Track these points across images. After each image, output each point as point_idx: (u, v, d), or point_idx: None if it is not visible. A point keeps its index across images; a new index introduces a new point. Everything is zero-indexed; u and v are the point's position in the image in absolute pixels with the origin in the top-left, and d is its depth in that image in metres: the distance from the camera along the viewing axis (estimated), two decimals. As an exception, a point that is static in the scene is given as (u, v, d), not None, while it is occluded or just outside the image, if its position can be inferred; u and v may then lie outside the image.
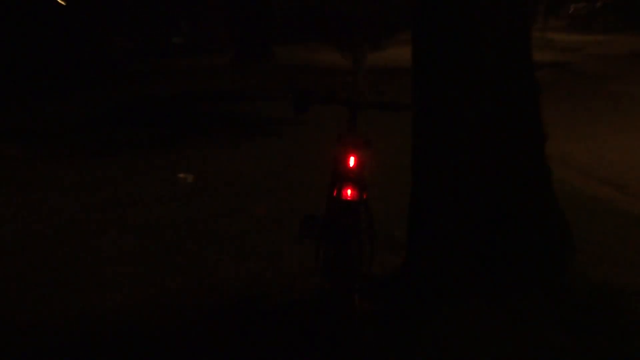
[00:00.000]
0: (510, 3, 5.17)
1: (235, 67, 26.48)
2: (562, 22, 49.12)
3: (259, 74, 22.78)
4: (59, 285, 5.73)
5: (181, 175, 9.31)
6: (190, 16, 34.95)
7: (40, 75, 19.76)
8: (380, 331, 4.64)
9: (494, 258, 5.11)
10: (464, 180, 5.16)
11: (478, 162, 5.14)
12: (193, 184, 9.02)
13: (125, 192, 8.68)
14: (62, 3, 24.00)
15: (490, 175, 5.14)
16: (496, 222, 5.14)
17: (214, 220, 7.33)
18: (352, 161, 4.60)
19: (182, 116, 15.20)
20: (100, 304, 5.31)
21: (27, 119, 14.28)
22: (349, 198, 4.56)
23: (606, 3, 47.08)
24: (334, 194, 4.61)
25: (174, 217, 7.49)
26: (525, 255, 5.17)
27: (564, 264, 5.28)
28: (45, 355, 4.61)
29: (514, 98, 5.19)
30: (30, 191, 9.02)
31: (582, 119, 12.85)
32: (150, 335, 4.82)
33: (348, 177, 4.60)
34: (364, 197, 4.65)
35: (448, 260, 5.17)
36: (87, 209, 7.99)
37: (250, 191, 8.53)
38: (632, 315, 4.79)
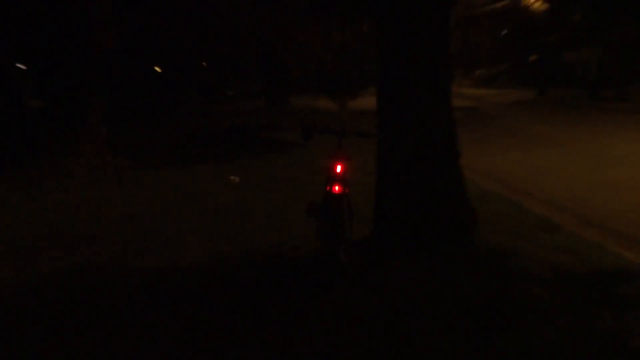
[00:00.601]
0: (438, 72, 5.18)
1: (265, 110, 26.61)
2: (471, 81, 49.08)
3: (280, 114, 22.94)
4: (156, 243, 5.78)
5: (230, 177, 9.32)
6: (237, 77, 34.98)
7: (145, 113, 19.79)
8: (356, 274, 4.63)
9: (426, 227, 5.13)
10: (408, 179, 5.17)
11: (416, 168, 5.15)
12: (238, 183, 9.03)
13: (195, 188, 8.68)
14: (158, 70, 23.96)
15: (423, 176, 5.16)
16: (427, 204, 5.15)
17: (250, 205, 7.33)
18: (338, 168, 4.64)
19: (232, 140, 15.30)
20: (181, 259, 5.32)
21: (135, 141, 14.27)
22: (336, 192, 4.59)
23: (498, 71, 47.06)
24: (327, 189, 4.63)
25: (225, 204, 7.49)
26: (446, 225, 5.17)
27: (471, 231, 5.28)
28: (150, 291, 4.60)
29: (440, 129, 5.19)
30: (136, 187, 9.04)
31: (482, 142, 12.90)
32: (213, 276, 4.82)
33: (336, 178, 4.62)
34: (347, 191, 4.69)
35: (397, 229, 5.20)
36: (172, 198, 8.02)
37: (273, 187, 8.56)
38: (513, 264, 4.79)
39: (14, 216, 7.28)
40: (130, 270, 5.08)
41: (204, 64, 27.79)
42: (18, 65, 20.55)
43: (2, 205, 7.93)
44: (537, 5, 34.02)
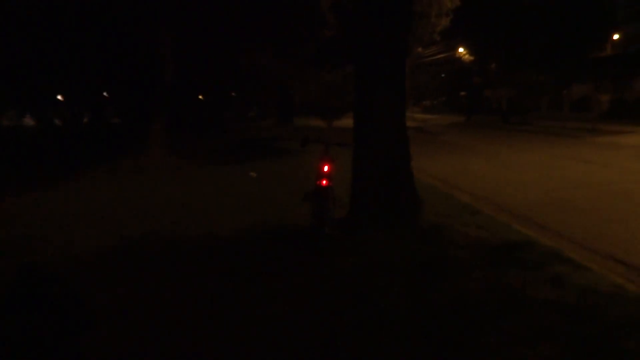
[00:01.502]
0: (397, 101, 5.15)
1: (276, 126, 26.53)
2: (419, 108, 49.13)
3: (286, 130, 22.78)
4: (198, 218, 5.69)
5: (251, 173, 9.24)
6: (257, 103, 34.87)
7: (193, 128, 19.72)
8: (337, 244, 4.57)
9: (387, 211, 5.06)
10: (374, 176, 5.10)
11: (380, 168, 5.09)
12: (256, 177, 8.95)
13: (226, 181, 8.61)
14: (201, 98, 23.83)
15: (385, 174, 5.09)
16: (388, 194, 5.08)
17: (265, 193, 7.26)
18: (325, 168, 4.58)
19: (253, 148, 15.15)
20: (216, 229, 5.25)
21: (186, 148, 14.18)
22: (323, 185, 4.53)
23: (438, 102, 47.10)
24: (317, 182, 4.57)
25: (248, 192, 7.41)
26: (400, 209, 5.11)
27: (418, 213, 5.23)
28: (195, 250, 4.54)
29: (397, 141, 5.16)
30: (186, 179, 8.98)
31: (427, 152, 12.83)
32: (238, 241, 4.77)
33: (323, 175, 4.56)
34: (331, 184, 4.62)
35: (366, 212, 5.11)
36: (210, 187, 7.93)
37: (280, 180, 8.46)
38: (446, 236, 4.76)
39: (102, 197, 7.25)
40: (181, 236, 5.02)
41: (233, 94, 27.69)
42: (104, 93, 20.44)
43: (93, 190, 7.90)
44: (465, 57, 34.15)
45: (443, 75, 41.25)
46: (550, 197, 6.90)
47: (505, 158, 11.82)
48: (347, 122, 9.21)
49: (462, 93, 39.55)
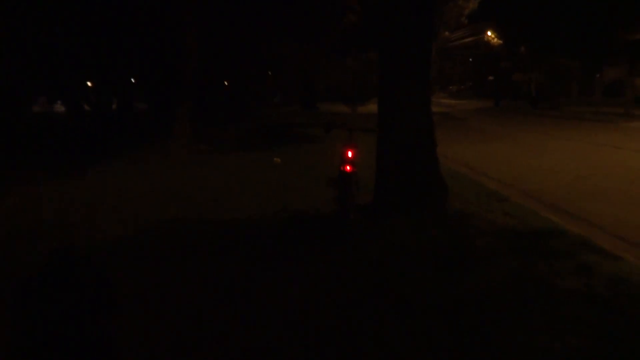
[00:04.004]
0: (422, 85, 5.05)
1: (300, 112, 26.44)
2: (446, 94, 48.38)
3: (310, 116, 22.72)
4: (222, 203, 5.73)
5: (275, 159, 9.25)
6: (282, 89, 34.83)
7: (219, 115, 19.83)
8: (361, 229, 4.56)
9: (412, 197, 5.01)
10: (397, 160, 5.05)
11: (405, 154, 5.03)
12: (281, 163, 8.97)
13: (251, 167, 8.64)
14: (226, 84, 23.93)
15: (410, 160, 5.03)
16: (413, 180, 5.02)
17: (289, 179, 7.24)
18: (349, 154, 4.53)
19: (276, 134, 15.11)
20: (244, 214, 5.29)
21: (211, 134, 14.24)
22: (347, 171, 4.51)
23: (467, 86, 46.27)
24: (341, 168, 4.54)
25: (271, 178, 7.41)
26: (426, 195, 5.05)
27: (444, 200, 5.17)
28: (220, 235, 4.57)
29: (422, 126, 5.08)
30: (210, 165, 9.05)
31: (454, 137, 12.64)
32: (263, 226, 4.77)
33: (347, 161, 4.52)
34: (354, 170, 4.57)
35: (391, 198, 5.07)
36: (234, 174, 7.97)
37: (304, 166, 8.41)
38: (473, 223, 4.68)
39: (128, 184, 7.36)
40: (205, 221, 5.07)
41: (257, 81, 27.72)
42: (131, 80, 20.69)
43: (119, 178, 8.03)
44: (494, 41, 33.38)
45: (470, 59, 40.45)
46: (581, 184, 6.72)
47: (533, 144, 11.55)
48: (372, 107, 9.09)
49: (490, 78, 38.73)
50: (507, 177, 7.46)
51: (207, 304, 3.11)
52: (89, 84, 20.50)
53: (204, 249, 4.19)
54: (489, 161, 9.08)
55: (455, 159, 9.04)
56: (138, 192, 6.62)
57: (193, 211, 5.50)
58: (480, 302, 3.04)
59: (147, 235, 4.63)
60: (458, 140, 12.25)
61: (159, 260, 3.92)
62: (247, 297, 3.18)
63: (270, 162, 9.06)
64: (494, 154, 10.07)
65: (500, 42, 32.71)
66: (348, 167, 4.50)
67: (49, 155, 11.00)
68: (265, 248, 4.11)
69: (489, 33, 32.81)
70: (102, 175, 8.24)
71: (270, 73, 25.07)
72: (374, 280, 3.42)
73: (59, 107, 27.19)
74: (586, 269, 3.48)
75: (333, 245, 4.16)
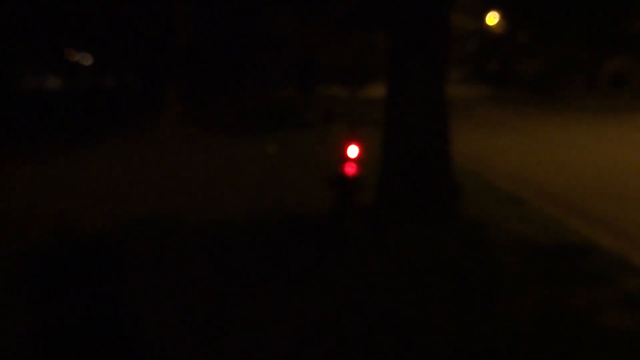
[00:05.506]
0: (435, 73, 4.39)
1: (298, 95, 25.58)
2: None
3: (308, 101, 21.88)
4: (215, 199, 5.12)
5: (268, 147, 8.54)
6: (279, 71, 34.09)
7: (211, 97, 19.15)
8: (361, 239, 3.93)
9: (420, 200, 4.37)
10: (404, 157, 4.42)
11: (413, 149, 4.39)
12: (277, 150, 8.28)
13: (242, 153, 8.03)
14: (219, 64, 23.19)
15: (418, 156, 4.39)
16: (421, 180, 4.39)
17: (283, 172, 6.60)
18: (349, 152, 3.87)
19: (276, 117, 14.31)
20: (229, 214, 4.66)
21: (206, 115, 13.55)
22: (347, 173, 3.89)
23: (467, 72, 46.02)
24: (341, 169, 3.91)
25: (263, 169, 6.78)
26: (436, 198, 4.42)
27: (456, 203, 4.53)
28: (208, 248, 3.96)
29: (434, 120, 4.44)
30: (198, 147, 8.47)
31: (456, 127, 11.92)
32: (248, 229, 4.15)
33: (347, 160, 3.87)
34: (358, 172, 3.91)
35: (396, 201, 4.43)
36: (225, 164, 7.31)
37: (300, 156, 7.74)
38: (488, 233, 4.07)
39: (107, 169, 6.82)
40: (185, 223, 4.43)
41: (252, 60, 26.89)
42: (125, 58, 19.98)
43: (99, 161, 7.55)
44: (496, 27, 32.69)
45: (471, 45, 39.62)
46: (601, 183, 6.10)
47: (540, 135, 10.88)
48: (373, 91, 8.43)
49: (491, 65, 37.97)
50: (518, 172, 6.85)
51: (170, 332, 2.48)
52: (78, 60, 19.76)
53: (175, 261, 3.54)
54: (497, 154, 8.41)
55: (460, 151, 8.31)
56: (112, 181, 6.06)
57: (171, 209, 4.85)
58: (511, 347, 2.41)
59: (113, 237, 4.00)
60: (461, 130, 11.43)
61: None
62: (215, 336, 2.55)
63: (263, 150, 8.36)
64: (501, 145, 9.41)
65: (502, 28, 31.96)
66: (349, 169, 3.83)
67: (34, 135, 10.42)
68: (246, 264, 3.43)
69: (494, 18, 32.01)
70: (81, 159, 7.86)
71: (266, 52, 24.21)
72: (373, 315, 2.76)
73: (52, 84, 26.31)
74: (632, 300, 2.86)
75: (327, 261, 3.51)
